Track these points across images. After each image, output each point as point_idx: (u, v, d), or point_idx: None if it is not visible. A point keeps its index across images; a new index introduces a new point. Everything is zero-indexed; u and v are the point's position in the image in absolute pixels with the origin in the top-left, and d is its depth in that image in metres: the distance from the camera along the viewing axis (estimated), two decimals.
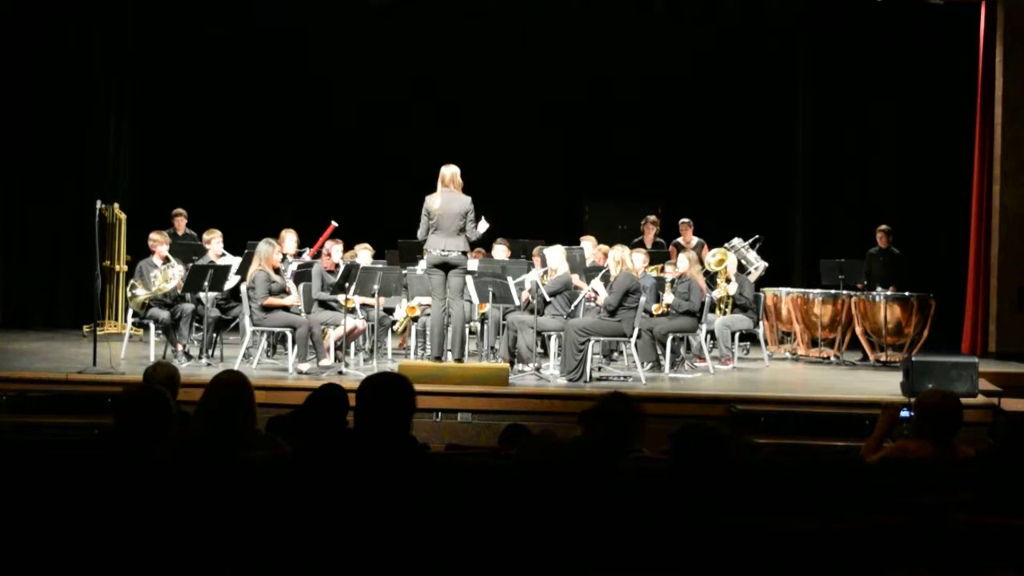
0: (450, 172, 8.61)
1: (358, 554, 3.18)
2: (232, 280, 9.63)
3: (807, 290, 11.26)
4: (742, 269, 10.91)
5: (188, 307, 9.43)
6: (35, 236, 12.68)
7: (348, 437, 3.81)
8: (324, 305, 9.51)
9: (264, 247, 9.06)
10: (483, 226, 8.74)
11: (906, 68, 12.80)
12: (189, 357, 9.33)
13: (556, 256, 9.37)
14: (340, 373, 8.74)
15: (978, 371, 8.43)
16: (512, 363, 9.03)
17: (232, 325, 10.03)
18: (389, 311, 10.13)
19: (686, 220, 11.69)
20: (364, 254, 10.13)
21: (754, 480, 4.04)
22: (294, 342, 8.94)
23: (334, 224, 10.23)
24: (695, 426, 3.75)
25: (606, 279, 9.15)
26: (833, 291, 11.06)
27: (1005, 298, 11.54)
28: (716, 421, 7.81)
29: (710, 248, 11.10)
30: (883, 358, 10.72)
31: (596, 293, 9.07)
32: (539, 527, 3.25)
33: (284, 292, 9.11)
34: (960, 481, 3.95)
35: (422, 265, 9.72)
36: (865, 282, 11.42)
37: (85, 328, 11.24)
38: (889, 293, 10.86)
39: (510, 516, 3.31)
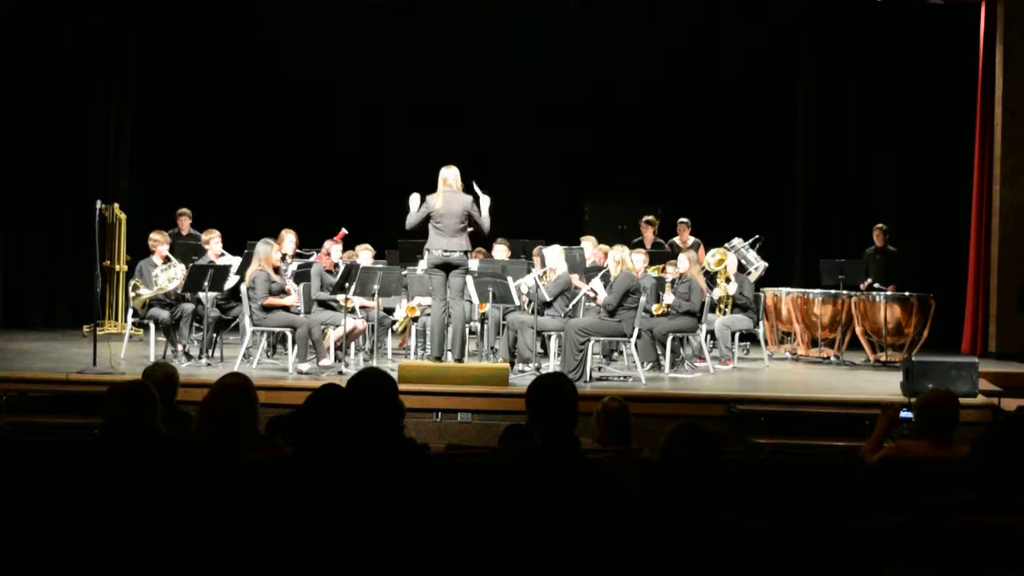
0: (452, 173, 8.61)
1: (358, 554, 3.18)
2: (232, 280, 9.63)
3: (807, 290, 11.25)
4: (742, 269, 10.90)
5: (188, 307, 9.43)
6: (35, 236, 12.68)
7: (348, 437, 3.81)
8: (324, 305, 9.51)
9: (263, 247, 9.06)
10: (485, 202, 8.69)
11: (906, 68, 12.80)
12: (189, 357, 9.33)
13: (555, 256, 9.37)
14: (340, 373, 8.73)
15: (978, 371, 8.43)
16: (512, 363, 9.03)
17: (232, 325, 10.03)
18: (389, 311, 10.13)
19: (684, 220, 11.68)
20: (364, 254, 10.13)
21: (754, 480, 4.04)
22: (294, 342, 8.94)
23: (344, 231, 10.26)
24: (688, 426, 3.76)
25: (606, 279, 9.15)
26: (833, 291, 11.06)
27: (1005, 298, 11.54)
28: (716, 421, 7.83)
29: (708, 248, 11.10)
30: (883, 358, 10.72)
31: (595, 292, 9.06)
32: (538, 527, 3.25)
33: (284, 292, 9.11)
34: (960, 481, 3.95)
35: (422, 265, 9.73)
36: (869, 281, 11.43)
37: (85, 328, 11.24)
38: (889, 293, 10.86)
39: (510, 516, 3.31)
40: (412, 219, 8.64)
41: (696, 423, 3.82)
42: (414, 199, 8.66)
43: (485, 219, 8.66)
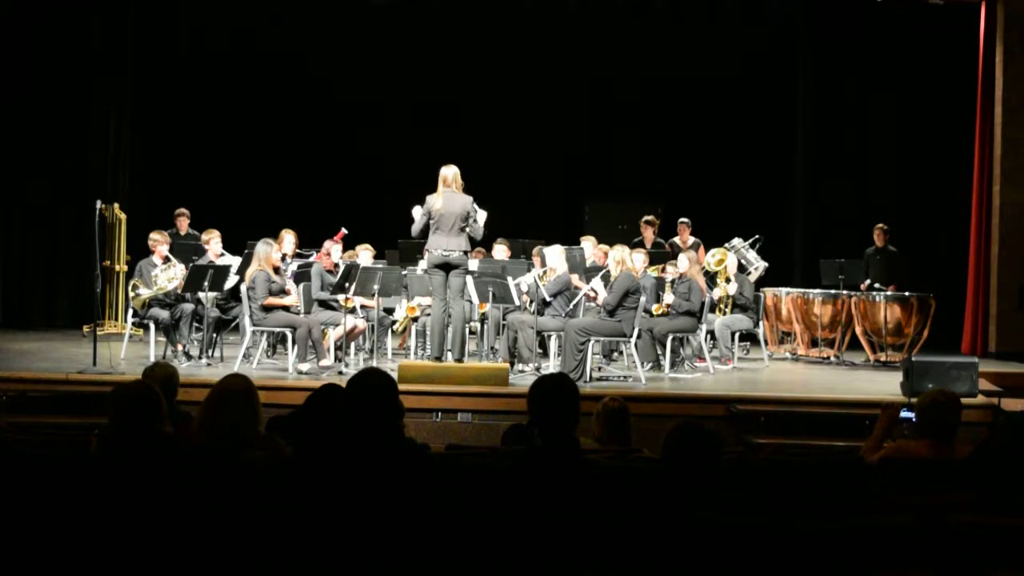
0: (451, 173, 8.61)
1: (358, 554, 3.18)
2: (232, 280, 9.63)
3: (807, 290, 11.25)
4: (742, 269, 10.90)
5: (188, 307, 9.43)
6: (35, 236, 12.68)
7: (348, 437, 3.81)
8: (324, 305, 9.51)
9: (262, 247, 9.06)
10: (482, 216, 8.71)
11: (906, 68, 12.80)
12: (189, 357, 9.33)
13: (555, 256, 9.38)
14: (340, 373, 8.74)
15: (978, 371, 8.42)
16: (512, 363, 9.03)
17: (232, 325, 10.03)
18: (389, 311, 10.13)
19: (684, 220, 11.68)
20: (364, 254, 10.13)
21: (754, 480, 4.04)
22: (294, 342, 8.94)
23: (344, 231, 10.26)
24: (687, 425, 3.76)
25: (606, 279, 9.15)
26: (833, 291, 11.06)
27: (1005, 298, 11.54)
28: (716, 421, 7.83)
29: (708, 248, 11.11)
30: (883, 358, 10.72)
31: (595, 292, 9.07)
32: (537, 527, 3.25)
33: (284, 292, 9.11)
34: (960, 481, 3.95)
35: (422, 265, 9.73)
36: (868, 281, 11.44)
37: (85, 328, 11.24)
38: (889, 293, 10.86)
39: (510, 516, 3.31)
40: (416, 227, 8.67)
41: (695, 422, 3.82)
42: (416, 212, 8.67)
43: (479, 229, 8.70)
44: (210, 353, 9.47)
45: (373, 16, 13.03)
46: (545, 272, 9.50)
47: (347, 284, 9.00)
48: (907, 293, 10.74)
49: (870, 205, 12.85)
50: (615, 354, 10.24)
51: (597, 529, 3.27)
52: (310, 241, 10.57)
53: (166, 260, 9.60)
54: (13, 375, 8.43)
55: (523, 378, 8.72)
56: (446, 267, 8.57)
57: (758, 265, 11.09)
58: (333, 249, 10.02)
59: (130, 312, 9.74)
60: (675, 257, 10.45)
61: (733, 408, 8.05)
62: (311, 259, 10.12)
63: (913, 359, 8.46)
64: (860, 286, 11.35)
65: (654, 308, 9.72)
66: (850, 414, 7.91)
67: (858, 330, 10.83)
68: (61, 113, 12.59)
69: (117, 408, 3.96)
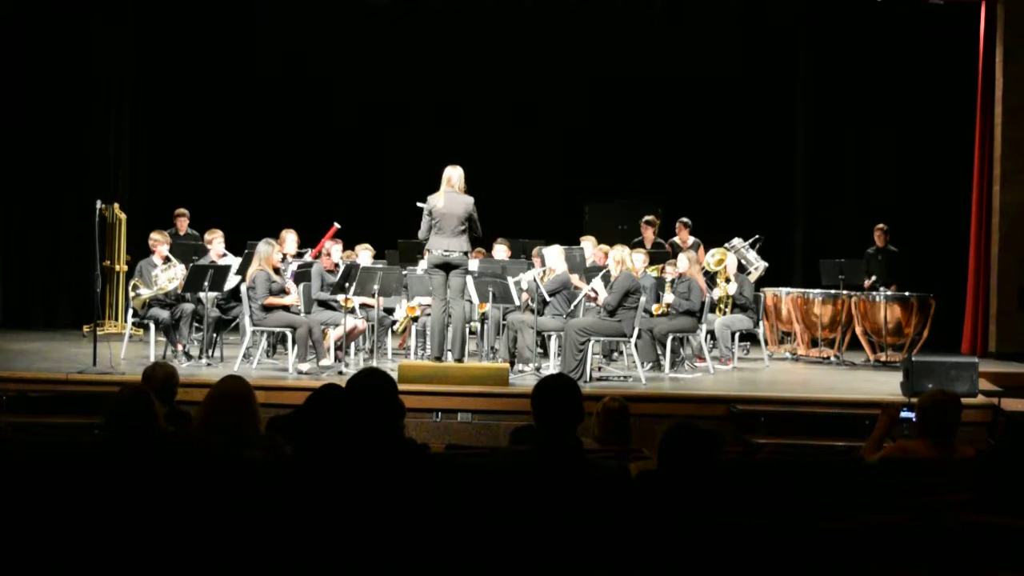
0: (456, 174, 8.58)
1: (358, 554, 3.18)
2: (232, 280, 9.63)
3: (807, 290, 11.25)
4: (742, 269, 10.90)
5: (188, 307, 9.43)
6: (35, 236, 12.69)
7: (348, 437, 3.81)
8: (324, 305, 9.51)
9: (263, 247, 9.07)
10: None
11: (906, 68, 12.80)
12: (189, 357, 9.33)
13: (554, 256, 9.38)
14: (340, 373, 8.74)
15: (978, 371, 8.42)
16: (512, 363, 9.03)
17: (232, 325, 10.03)
18: (389, 311, 10.13)
19: (684, 220, 11.68)
20: (364, 254, 10.13)
21: (754, 480, 4.04)
22: (294, 342, 8.94)
23: (336, 225, 10.25)
24: (682, 425, 3.76)
25: (607, 279, 9.15)
26: (833, 291, 11.06)
27: (1005, 298, 11.54)
28: (716, 421, 7.83)
29: (708, 248, 11.10)
30: (883, 358, 10.72)
31: (596, 293, 9.07)
32: (536, 527, 3.25)
33: (284, 292, 9.11)
34: (960, 481, 3.95)
35: (422, 265, 9.73)
36: (874, 279, 11.44)
37: (85, 328, 11.24)
38: (889, 293, 10.87)
39: (510, 516, 3.31)
40: (422, 230, 8.62)
41: (690, 421, 3.82)
42: (425, 207, 8.63)
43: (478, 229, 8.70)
44: (210, 353, 9.48)
45: (373, 16, 13.03)
46: (545, 272, 9.50)
47: (347, 284, 9.00)
48: (907, 293, 10.74)
49: (870, 205, 12.85)
50: (615, 354, 10.24)
51: (597, 529, 3.27)
52: (310, 241, 10.57)
53: (166, 260, 9.60)
54: (13, 375, 8.43)
55: (523, 378, 8.72)
56: (446, 267, 8.57)
57: (758, 265, 11.09)
58: (333, 249, 10.02)
59: (130, 312, 9.74)
60: (675, 257, 10.45)
61: (733, 408, 8.05)
62: (305, 257, 10.13)
63: (913, 359, 8.47)
64: (863, 285, 11.35)
65: (654, 308, 9.72)
66: (850, 414, 7.92)
67: (858, 330, 10.83)
68: (61, 113, 12.58)
69: (109, 412, 3.97)
